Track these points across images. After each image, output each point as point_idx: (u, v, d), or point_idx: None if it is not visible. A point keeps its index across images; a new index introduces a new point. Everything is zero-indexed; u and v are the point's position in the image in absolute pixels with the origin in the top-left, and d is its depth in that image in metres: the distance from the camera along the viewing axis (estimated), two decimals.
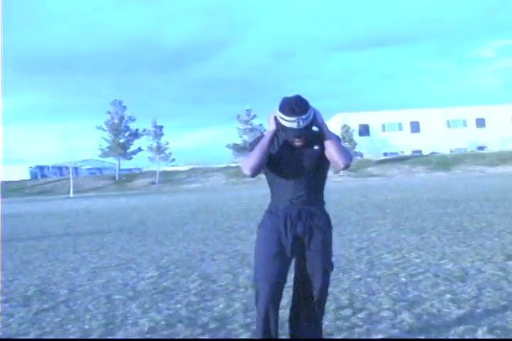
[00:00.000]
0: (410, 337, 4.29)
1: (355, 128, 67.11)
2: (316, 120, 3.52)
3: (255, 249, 3.78)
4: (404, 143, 70.12)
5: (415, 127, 71.76)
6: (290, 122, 3.42)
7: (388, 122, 71.94)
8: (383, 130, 72.10)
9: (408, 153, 69.83)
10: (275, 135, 3.60)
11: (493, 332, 4.29)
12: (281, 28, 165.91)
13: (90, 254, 10.00)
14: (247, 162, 3.55)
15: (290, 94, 3.51)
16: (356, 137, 65.91)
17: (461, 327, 4.44)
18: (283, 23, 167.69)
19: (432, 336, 4.26)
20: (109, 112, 70.08)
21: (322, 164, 3.70)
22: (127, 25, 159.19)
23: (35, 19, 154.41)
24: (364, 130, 71.56)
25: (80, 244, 11.83)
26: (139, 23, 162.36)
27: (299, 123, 3.41)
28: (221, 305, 5.59)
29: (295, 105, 3.40)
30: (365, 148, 67.19)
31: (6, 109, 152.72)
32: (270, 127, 3.59)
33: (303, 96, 3.50)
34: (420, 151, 69.61)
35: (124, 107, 70.48)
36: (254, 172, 3.55)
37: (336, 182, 46.06)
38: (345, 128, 64.49)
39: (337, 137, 3.67)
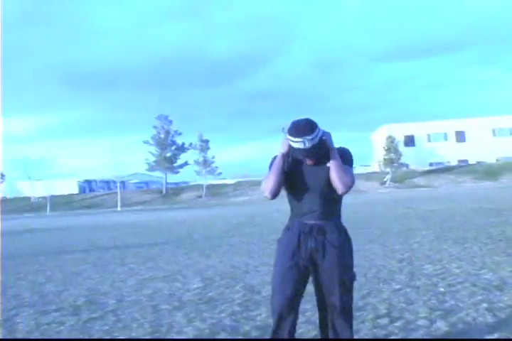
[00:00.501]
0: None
1: (400, 139, 66.64)
2: (326, 142, 3.70)
3: (273, 263, 3.95)
4: (450, 153, 69.36)
5: (461, 137, 70.94)
6: (297, 143, 3.62)
7: (433, 132, 71.27)
8: (429, 140, 71.46)
9: (454, 163, 69.07)
10: (287, 156, 3.80)
11: None
12: (325, 39, 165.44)
13: (138, 266, 10.31)
14: (266, 185, 3.79)
15: (300, 117, 3.72)
16: (402, 148, 65.34)
17: (495, 335, 4.56)
18: (327, 34, 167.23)
19: None
20: (155, 127, 70.88)
21: None
22: (172, 39, 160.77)
23: (80, 35, 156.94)
24: (409, 141, 71.06)
25: (128, 256, 12.16)
26: (183, 38, 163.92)
27: (304, 143, 3.59)
28: (264, 315, 5.77)
29: (301, 127, 3.62)
30: (410, 158, 66.57)
31: (53, 124, 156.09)
32: (281, 149, 3.79)
33: (311, 119, 3.70)
34: (466, 161, 68.81)
35: (170, 121, 71.18)
36: (274, 195, 3.78)
37: (381, 194, 45.91)
38: (391, 139, 64.09)
39: (350, 160, 3.84)
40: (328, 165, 3.74)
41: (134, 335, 5.33)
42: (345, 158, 3.82)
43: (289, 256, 3.79)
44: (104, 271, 10.00)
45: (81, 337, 5.43)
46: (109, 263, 11.02)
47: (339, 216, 3.94)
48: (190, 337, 5.13)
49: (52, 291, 8.18)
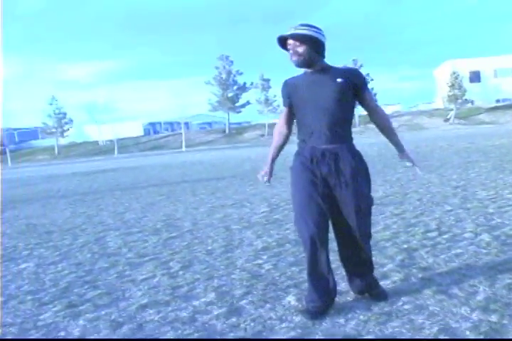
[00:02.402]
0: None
1: (465, 74, 65.16)
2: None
3: (291, 192, 3.84)
4: None
5: None
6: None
7: (500, 67, 69.36)
8: (495, 76, 69.62)
9: None
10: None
11: None
12: None
13: (207, 196, 11.07)
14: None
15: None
16: (467, 84, 63.97)
17: None
18: None
19: (506, 251, 4.90)
20: (216, 67, 71.23)
21: (345, 98, 3.64)
22: None
23: None
24: (475, 76, 69.35)
25: (197, 188, 12.95)
26: None
27: (293, 28, 3.71)
28: None
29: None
30: (476, 95, 65.29)
31: (117, 69, 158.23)
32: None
33: None
34: None
35: (231, 62, 71.33)
36: None
37: (444, 130, 45.63)
38: (455, 75, 62.78)
39: (366, 84, 3.81)
40: (338, 80, 3.61)
41: (209, 248, 6.04)
42: (363, 82, 3.73)
43: (306, 183, 3.67)
44: (177, 200, 10.79)
45: (163, 250, 6.17)
46: (180, 195, 11.82)
47: (351, 139, 3.77)
48: (259, 248, 5.81)
49: (133, 218, 9.00)
